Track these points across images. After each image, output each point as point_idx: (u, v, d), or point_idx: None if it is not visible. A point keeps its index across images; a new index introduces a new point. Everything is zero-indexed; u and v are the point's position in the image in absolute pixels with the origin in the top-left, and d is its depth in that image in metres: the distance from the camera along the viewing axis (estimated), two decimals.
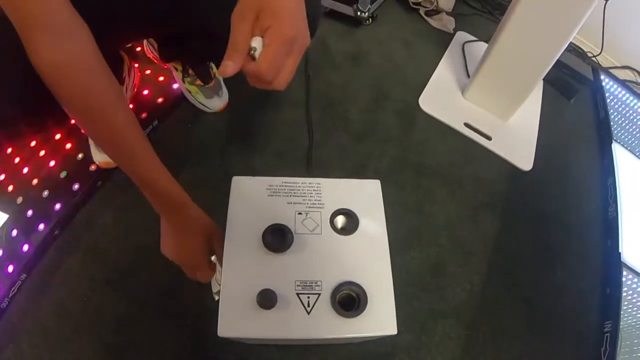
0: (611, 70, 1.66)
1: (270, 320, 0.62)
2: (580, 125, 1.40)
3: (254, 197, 0.76)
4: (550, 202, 1.17)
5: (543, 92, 1.44)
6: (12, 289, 0.90)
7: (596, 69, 1.58)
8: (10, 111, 0.68)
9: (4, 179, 1.05)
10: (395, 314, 0.64)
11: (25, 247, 0.94)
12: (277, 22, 0.49)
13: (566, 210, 1.17)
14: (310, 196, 0.75)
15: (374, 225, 0.73)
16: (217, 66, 1.17)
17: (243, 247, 0.69)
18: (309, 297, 0.64)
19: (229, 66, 0.49)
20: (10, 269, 0.92)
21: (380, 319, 0.64)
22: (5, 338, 0.85)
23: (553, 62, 1.12)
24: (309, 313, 0.63)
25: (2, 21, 0.52)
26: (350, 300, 0.65)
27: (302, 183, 0.77)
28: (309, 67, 1.30)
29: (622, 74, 1.66)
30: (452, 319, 0.93)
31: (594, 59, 1.68)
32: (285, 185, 0.76)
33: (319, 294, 0.64)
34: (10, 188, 1.04)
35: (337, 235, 0.71)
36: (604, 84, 1.51)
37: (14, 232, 0.97)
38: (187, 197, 0.71)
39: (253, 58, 0.50)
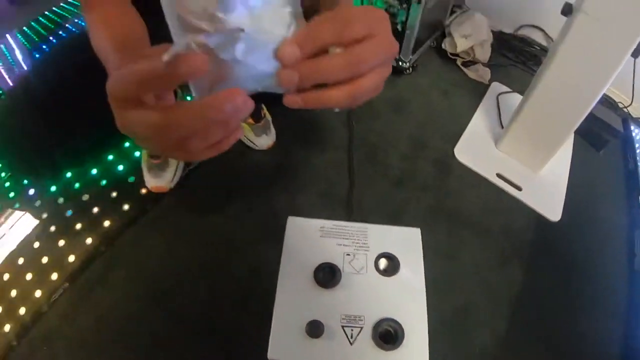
0: None
1: (316, 349, 0.71)
2: (609, 176, 1.45)
3: (307, 237, 0.86)
4: (576, 252, 1.21)
5: (573, 143, 1.49)
6: (54, 295, 0.97)
7: (626, 120, 1.62)
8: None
9: (55, 190, 1.15)
10: (428, 350, 0.72)
11: (71, 258, 1.03)
12: (380, 32, 0.37)
13: (592, 261, 1.20)
14: (358, 239, 0.85)
15: (413, 269, 0.82)
16: (269, 108, 1.27)
17: (296, 280, 0.78)
18: (352, 330, 0.73)
19: (289, 51, 0.33)
20: (55, 276, 1.00)
21: (414, 353, 0.72)
22: (41, 340, 0.91)
23: (584, 115, 1.17)
24: (351, 344, 0.72)
25: None
26: (389, 335, 0.73)
27: (351, 227, 0.87)
28: (352, 113, 1.41)
29: None
30: (474, 358, 0.98)
31: (625, 109, 1.71)
32: (336, 228, 0.87)
33: (362, 328, 0.73)
34: (61, 200, 1.14)
35: (380, 276, 0.80)
36: (634, 134, 1.56)
37: (61, 243, 1.06)
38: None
39: None
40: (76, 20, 2.14)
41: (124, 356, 0.91)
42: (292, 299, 0.76)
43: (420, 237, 0.86)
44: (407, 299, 0.78)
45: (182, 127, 0.31)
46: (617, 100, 1.74)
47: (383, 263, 0.82)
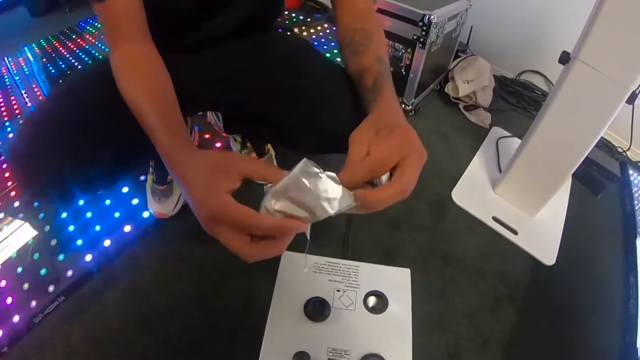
0: None
1: None
2: (605, 220, 1.46)
3: (300, 271, 0.90)
4: (570, 296, 1.21)
5: (571, 188, 1.52)
6: (49, 308, 0.98)
7: (624, 164, 1.65)
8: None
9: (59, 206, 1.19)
10: None
11: (69, 273, 1.06)
12: (414, 148, 0.56)
13: (586, 305, 1.20)
14: (349, 276, 0.90)
15: (401, 308, 0.86)
16: (273, 146, 1.34)
17: (286, 312, 0.83)
18: None
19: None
20: (51, 288, 1.03)
21: None
22: (32, 351, 0.93)
23: (581, 160, 1.19)
24: None
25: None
26: None
27: (343, 264, 0.92)
28: None
29: None
30: None
31: (623, 153, 1.75)
32: (328, 265, 0.92)
33: None
34: (64, 215, 1.18)
35: (368, 313, 0.84)
36: (631, 178, 1.58)
37: (61, 257, 1.10)
38: (184, 141, 0.62)
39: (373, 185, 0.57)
40: (96, 42, 2.23)
41: None
42: (282, 330, 0.80)
43: (409, 277, 0.90)
44: (394, 337, 0.81)
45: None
46: (615, 144, 1.78)
47: (372, 300, 0.86)
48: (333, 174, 0.53)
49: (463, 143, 1.62)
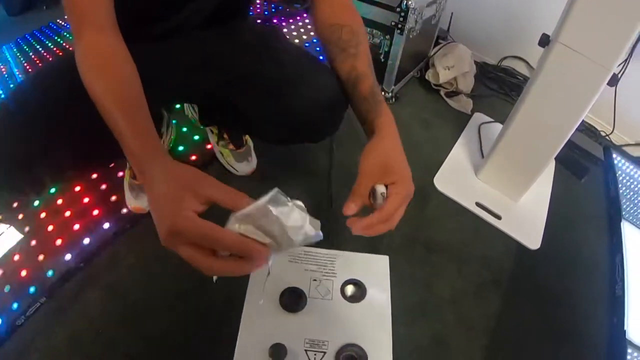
0: (624, 148, 1.72)
1: None
2: (590, 203, 1.46)
3: (275, 263, 0.87)
4: (556, 281, 1.20)
5: (554, 172, 1.51)
6: (31, 309, 0.97)
7: (608, 147, 1.64)
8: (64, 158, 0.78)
9: (38, 204, 1.17)
10: None
11: (50, 273, 1.03)
12: (401, 179, 0.70)
13: (572, 288, 1.19)
14: (325, 265, 0.86)
15: (380, 296, 0.82)
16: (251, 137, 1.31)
17: (261, 304, 0.79)
18: (315, 355, 0.73)
19: (352, 208, 0.68)
20: (32, 289, 1.01)
21: None
22: (16, 354, 0.91)
23: (563, 143, 1.19)
24: None
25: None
26: None
27: (319, 253, 0.88)
28: (334, 142, 1.43)
29: (635, 151, 1.72)
30: None
31: (607, 137, 1.74)
32: (304, 254, 0.88)
33: (325, 353, 0.73)
34: (43, 215, 1.16)
35: (346, 302, 0.80)
36: (615, 162, 1.57)
37: (41, 257, 1.07)
38: (154, 147, 0.60)
39: (376, 205, 0.69)
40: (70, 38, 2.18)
41: None
42: (257, 322, 0.77)
43: (387, 264, 0.87)
44: (373, 326, 0.78)
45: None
46: (598, 128, 1.77)
47: (350, 289, 0.83)
48: (301, 204, 0.54)
49: (444, 129, 1.60)
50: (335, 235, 1.16)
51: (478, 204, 1.33)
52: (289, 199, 0.52)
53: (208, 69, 0.91)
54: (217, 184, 0.55)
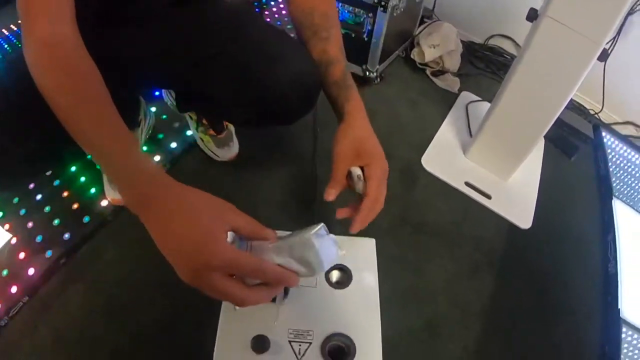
0: (613, 126, 1.71)
1: None
2: (580, 182, 1.44)
3: None
4: (548, 260, 1.19)
5: (544, 151, 1.48)
6: (13, 309, 0.94)
7: (597, 126, 1.62)
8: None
9: (18, 202, 1.12)
10: None
11: (31, 271, 0.99)
12: (375, 160, 0.73)
13: (565, 267, 1.18)
14: None
15: (367, 281, 0.78)
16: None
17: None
18: (300, 345, 0.68)
19: (332, 194, 0.72)
20: (14, 289, 0.97)
21: None
22: (0, 356, 0.89)
23: (553, 121, 1.16)
24: None
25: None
26: (339, 351, 0.69)
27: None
28: (317, 124, 1.37)
29: (624, 129, 1.71)
30: None
31: (596, 115, 1.73)
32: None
33: (310, 343, 0.68)
34: (23, 212, 1.11)
35: (331, 289, 0.76)
36: (605, 140, 1.55)
37: (22, 255, 1.03)
38: (163, 174, 0.55)
39: (355, 187, 0.73)
40: None
41: None
42: (238, 313, 0.71)
43: (374, 247, 0.82)
44: (360, 313, 0.73)
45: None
46: (587, 107, 1.75)
47: (335, 275, 0.78)
48: (334, 237, 0.60)
49: (431, 109, 1.55)
50: (320, 219, 1.13)
51: (467, 184, 1.30)
52: (327, 231, 0.59)
53: (178, 52, 0.87)
54: (240, 213, 0.55)
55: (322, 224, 0.57)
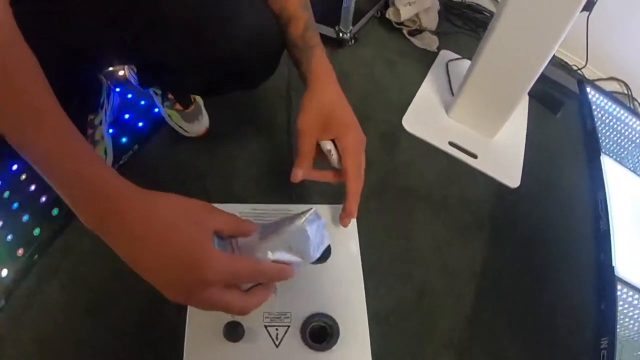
0: (597, 83, 1.67)
1: (236, 354, 0.59)
2: (567, 139, 1.41)
3: None
4: (539, 219, 1.15)
5: (529, 108, 1.44)
6: None
7: (582, 81, 1.58)
8: None
9: None
10: (369, 348, 0.61)
11: (4, 272, 0.92)
12: (348, 130, 0.64)
13: (556, 226, 1.15)
14: None
15: (348, 254, 0.70)
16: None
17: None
18: (277, 330, 0.61)
19: (299, 175, 0.65)
20: None
21: (353, 351, 0.61)
22: None
23: (537, 76, 1.12)
24: (277, 346, 0.60)
25: None
26: (321, 333, 0.62)
27: (272, 210, 0.74)
28: (290, 89, 1.29)
29: (608, 86, 1.67)
30: (439, 345, 0.90)
31: (579, 71, 1.69)
32: (254, 212, 0.73)
33: (288, 327, 0.61)
34: None
35: (309, 265, 0.68)
36: (590, 96, 1.50)
37: None
38: (124, 182, 0.45)
39: (330, 162, 0.66)
40: None
41: None
42: None
43: None
44: (342, 289, 0.66)
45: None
46: (571, 63, 1.72)
47: None
48: (325, 222, 0.57)
49: (410, 69, 1.48)
50: (298, 189, 1.06)
51: (452, 144, 1.24)
52: (319, 215, 0.55)
53: (122, 18, 0.76)
54: (219, 211, 0.49)
55: (313, 208, 0.54)
